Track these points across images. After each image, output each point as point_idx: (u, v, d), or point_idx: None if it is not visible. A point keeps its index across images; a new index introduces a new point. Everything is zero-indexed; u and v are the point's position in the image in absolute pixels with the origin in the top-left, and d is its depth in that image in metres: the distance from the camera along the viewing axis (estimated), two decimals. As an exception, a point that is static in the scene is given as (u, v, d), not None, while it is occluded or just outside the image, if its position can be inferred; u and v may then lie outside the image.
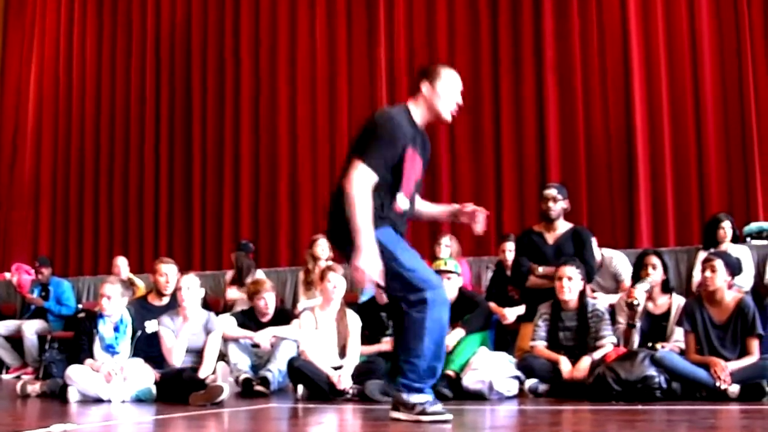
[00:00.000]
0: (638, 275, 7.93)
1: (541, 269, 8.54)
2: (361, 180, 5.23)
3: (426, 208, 5.99)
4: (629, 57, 11.79)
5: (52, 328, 12.57)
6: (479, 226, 5.73)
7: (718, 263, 7.49)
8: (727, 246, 9.49)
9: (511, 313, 9.06)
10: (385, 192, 5.36)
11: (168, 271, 9.28)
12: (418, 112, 5.60)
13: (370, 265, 5.10)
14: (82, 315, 11.58)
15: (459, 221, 5.92)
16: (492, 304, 9.05)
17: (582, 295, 8.06)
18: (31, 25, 16.49)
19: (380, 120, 5.44)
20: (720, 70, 11.58)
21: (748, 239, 10.19)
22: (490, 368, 7.55)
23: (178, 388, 7.79)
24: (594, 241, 8.81)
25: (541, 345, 7.96)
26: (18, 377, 11.75)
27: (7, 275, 14.02)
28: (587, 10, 12.09)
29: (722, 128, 11.46)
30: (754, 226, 10.44)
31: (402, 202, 5.46)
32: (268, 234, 13.46)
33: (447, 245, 10.30)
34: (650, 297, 7.91)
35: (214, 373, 8.30)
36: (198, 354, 8.33)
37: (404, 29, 13.06)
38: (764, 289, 9.27)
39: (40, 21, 16.42)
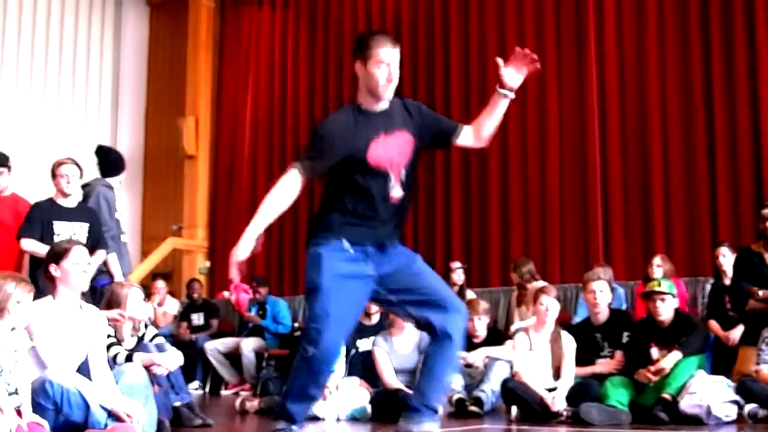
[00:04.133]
0: None
1: (761, 293, 8.30)
2: (285, 179, 5.02)
3: (480, 123, 5.36)
4: None
5: (268, 345, 12.89)
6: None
7: None
8: None
9: (734, 335, 8.85)
10: (358, 194, 5.06)
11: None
12: (365, 98, 5.13)
13: (235, 253, 5.01)
14: (297, 333, 11.84)
15: (515, 71, 5.17)
16: (713, 323, 8.86)
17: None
18: (246, 50, 16.98)
19: (314, 131, 5.23)
20: None
21: None
22: (708, 392, 7.36)
23: (392, 408, 7.87)
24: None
25: (766, 369, 7.72)
26: (236, 393, 12.09)
27: (226, 294, 14.46)
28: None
29: None
30: None
31: (395, 191, 5.10)
32: (480, 253, 13.47)
33: (658, 265, 10.08)
34: None
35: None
36: (412, 373, 8.41)
37: (614, 45, 12.86)
38: None
39: (254, 46, 16.89)
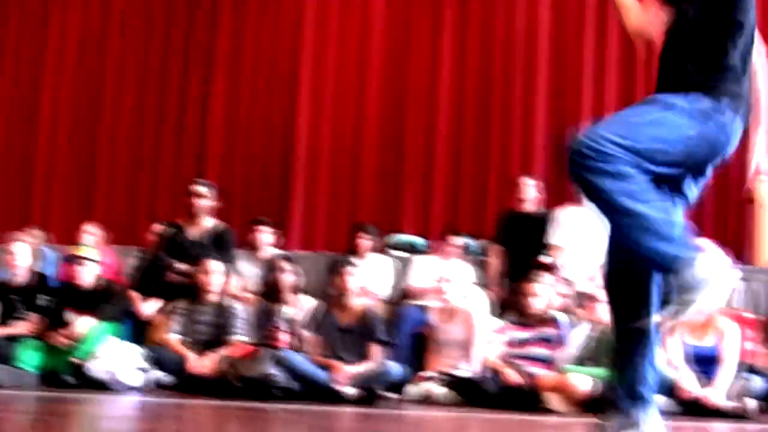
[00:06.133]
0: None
1: (179, 266, 8.61)
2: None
3: None
4: (299, 61, 12.01)
5: None
6: None
7: (352, 269, 7.87)
8: (369, 255, 9.74)
9: (148, 306, 9.02)
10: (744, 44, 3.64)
11: None
12: None
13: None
14: None
15: None
16: (134, 294, 9.01)
17: (223, 291, 8.23)
18: None
19: None
20: (384, 85, 11.98)
21: (391, 250, 10.51)
22: (116, 358, 7.52)
23: None
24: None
25: (174, 338, 8.01)
26: None
27: None
28: (266, 9, 12.23)
29: (380, 140, 11.84)
30: (397, 237, 10.81)
31: None
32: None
33: (88, 232, 10.06)
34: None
35: None
36: None
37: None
38: (402, 298, 9.58)
39: None
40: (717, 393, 7.31)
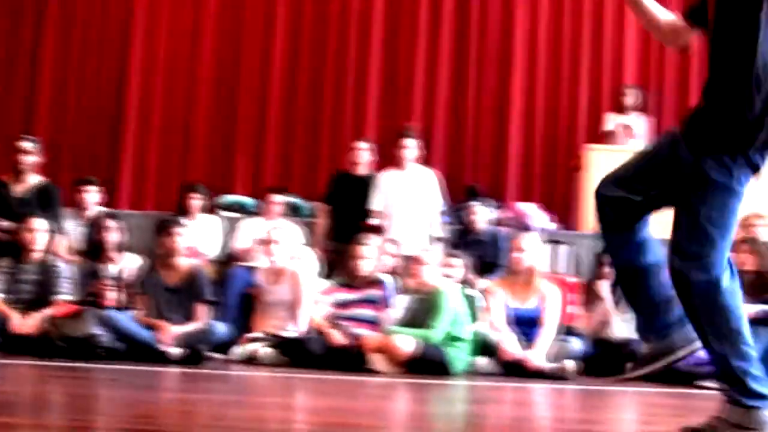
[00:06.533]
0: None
1: (3, 223, 8.46)
2: None
3: None
4: (132, 18, 11.86)
5: None
6: None
7: (180, 229, 7.86)
8: (198, 215, 9.71)
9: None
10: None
11: None
12: None
13: None
14: None
15: None
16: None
17: (47, 249, 8.11)
18: None
19: None
20: (218, 45, 11.92)
21: (221, 210, 10.48)
22: None
23: None
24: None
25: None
26: None
27: None
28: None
29: (213, 99, 11.79)
30: (228, 198, 10.80)
31: None
32: None
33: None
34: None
35: None
36: None
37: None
38: (230, 259, 9.57)
39: None
40: (537, 354, 7.51)
